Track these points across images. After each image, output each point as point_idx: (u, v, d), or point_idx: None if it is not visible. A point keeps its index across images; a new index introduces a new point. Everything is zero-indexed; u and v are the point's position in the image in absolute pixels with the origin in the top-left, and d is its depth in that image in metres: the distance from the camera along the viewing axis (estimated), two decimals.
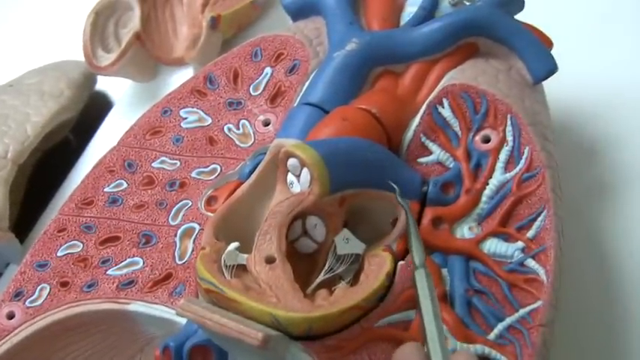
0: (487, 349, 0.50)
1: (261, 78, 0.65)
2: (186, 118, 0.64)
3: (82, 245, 0.59)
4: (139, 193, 0.61)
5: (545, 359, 0.50)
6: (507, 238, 0.54)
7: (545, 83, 0.62)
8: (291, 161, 0.52)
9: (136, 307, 0.55)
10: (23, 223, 0.77)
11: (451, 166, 0.57)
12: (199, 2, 0.81)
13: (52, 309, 0.56)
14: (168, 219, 0.59)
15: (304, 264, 0.52)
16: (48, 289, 0.57)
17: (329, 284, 0.51)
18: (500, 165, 0.56)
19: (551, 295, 0.51)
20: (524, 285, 0.52)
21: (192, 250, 0.56)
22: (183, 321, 0.52)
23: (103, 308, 0.55)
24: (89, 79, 0.85)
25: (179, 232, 0.58)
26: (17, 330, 0.56)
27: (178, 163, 0.61)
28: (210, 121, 0.63)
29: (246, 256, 0.51)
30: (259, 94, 0.64)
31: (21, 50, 0.97)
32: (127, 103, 0.85)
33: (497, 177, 0.56)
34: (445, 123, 0.58)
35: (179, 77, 0.79)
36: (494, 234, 0.54)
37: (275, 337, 0.46)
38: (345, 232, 0.52)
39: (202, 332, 0.50)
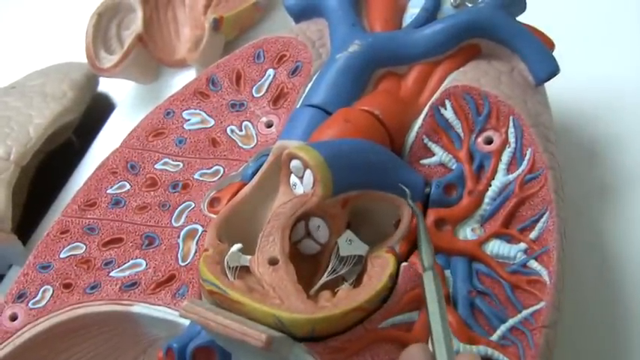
0: (490, 351, 0.50)
1: (263, 79, 0.65)
2: (188, 120, 0.64)
3: (84, 247, 0.59)
4: (141, 195, 0.61)
5: None
6: (510, 239, 0.54)
7: (546, 85, 0.62)
8: (294, 163, 0.52)
9: (139, 308, 0.55)
10: (26, 225, 0.77)
11: (454, 167, 0.57)
12: (201, 4, 0.81)
13: (54, 311, 0.56)
14: (171, 220, 0.59)
15: (307, 265, 0.52)
16: (51, 291, 0.57)
17: (332, 286, 0.51)
18: (502, 166, 0.56)
19: (554, 297, 0.51)
20: (526, 286, 0.52)
21: (195, 252, 0.56)
22: (186, 322, 0.52)
23: (105, 310, 0.55)
24: (91, 81, 0.85)
25: (182, 233, 0.58)
26: (20, 332, 0.56)
27: (181, 165, 0.62)
28: (212, 122, 0.63)
29: (249, 257, 0.51)
30: (262, 95, 0.64)
31: (23, 52, 0.97)
32: (129, 104, 0.85)
33: (500, 178, 0.56)
34: (448, 124, 0.58)
35: (181, 79, 0.80)
36: (497, 235, 0.54)
37: (278, 338, 0.46)
38: (348, 234, 0.52)
39: (205, 334, 0.50)
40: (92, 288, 0.56)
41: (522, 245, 0.53)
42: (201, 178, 0.60)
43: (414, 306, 0.51)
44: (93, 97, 0.86)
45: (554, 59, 0.61)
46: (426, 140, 0.58)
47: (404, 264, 0.52)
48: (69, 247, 0.59)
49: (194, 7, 0.81)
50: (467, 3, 0.64)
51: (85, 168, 0.80)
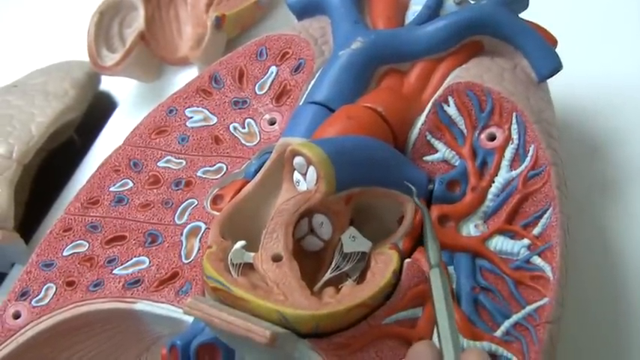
0: (494, 347, 0.50)
1: (266, 77, 0.65)
2: (191, 118, 0.64)
3: (87, 245, 0.59)
4: (144, 193, 0.61)
5: (551, 356, 0.51)
6: (513, 235, 0.54)
7: (549, 81, 0.62)
8: (298, 160, 0.52)
9: (142, 306, 0.55)
10: (28, 224, 0.77)
11: (457, 164, 0.57)
12: (203, 2, 0.81)
13: (58, 308, 0.56)
14: (174, 218, 0.59)
15: (311, 262, 0.52)
16: (54, 289, 0.57)
17: (336, 282, 0.51)
18: (505, 163, 0.56)
19: (558, 292, 0.51)
20: (530, 282, 0.52)
21: (199, 249, 0.56)
22: (189, 320, 0.52)
23: (109, 307, 0.55)
24: (93, 79, 0.85)
25: (185, 231, 0.58)
26: (23, 329, 0.56)
27: (184, 163, 0.62)
28: (215, 120, 0.63)
29: (252, 254, 0.51)
30: (265, 93, 0.64)
31: (25, 50, 0.97)
32: (131, 103, 0.85)
33: (503, 175, 0.56)
34: (451, 121, 0.58)
35: (183, 77, 0.80)
36: (501, 231, 0.54)
37: (283, 334, 0.46)
38: (352, 230, 0.52)
39: (209, 330, 0.50)
40: (95, 286, 0.56)
41: (526, 241, 0.53)
42: (204, 176, 0.60)
43: (417, 302, 0.51)
44: (95, 96, 0.86)
45: (557, 56, 0.61)
46: (428, 137, 0.58)
47: (407, 260, 0.52)
48: (72, 245, 0.59)
49: (196, 5, 0.81)
50: (469, 0, 0.64)
51: (88, 166, 0.80)
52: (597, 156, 0.72)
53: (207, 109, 0.64)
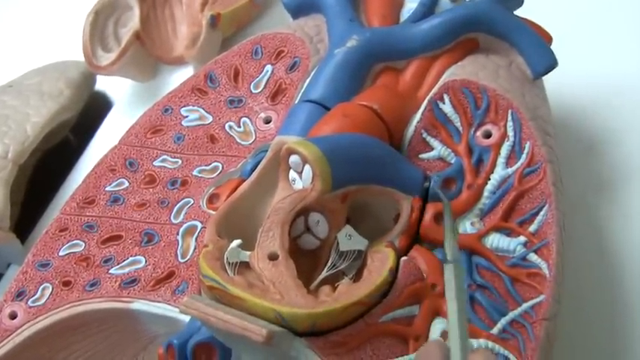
0: (490, 344, 0.50)
1: (261, 76, 0.65)
2: (187, 117, 0.64)
3: (84, 244, 0.59)
4: (140, 192, 0.61)
5: (548, 353, 0.51)
6: (509, 232, 0.54)
7: (544, 78, 0.62)
8: (293, 158, 0.52)
9: (139, 305, 0.55)
10: (24, 224, 0.77)
11: (452, 161, 0.57)
12: (199, 1, 0.81)
13: (54, 308, 0.56)
14: (170, 217, 0.59)
15: (307, 260, 0.52)
16: (50, 289, 0.57)
17: (332, 280, 0.51)
18: (501, 160, 0.56)
19: (554, 289, 0.51)
20: (526, 279, 0.52)
21: (195, 248, 0.56)
22: (186, 319, 0.52)
23: (105, 307, 0.55)
24: (89, 79, 0.85)
25: (181, 230, 0.58)
26: (20, 330, 0.56)
27: (180, 162, 0.61)
28: (211, 119, 0.63)
29: (248, 253, 0.51)
30: (260, 91, 0.64)
31: (20, 50, 0.97)
32: (126, 102, 0.85)
33: (499, 172, 0.56)
34: (446, 119, 0.58)
35: (179, 76, 0.80)
36: (497, 229, 0.54)
37: (279, 333, 0.46)
38: (348, 229, 0.52)
39: (206, 330, 0.50)
40: (92, 285, 0.56)
41: (522, 238, 0.53)
42: (199, 175, 0.60)
43: (414, 300, 0.51)
44: (90, 96, 0.86)
45: (552, 53, 0.61)
46: (424, 134, 0.58)
47: (403, 258, 0.52)
48: (68, 244, 0.59)
49: (191, 4, 0.81)
50: None
51: (83, 166, 0.80)
52: (592, 154, 0.72)
53: (203, 108, 0.64)
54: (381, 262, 0.51)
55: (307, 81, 0.62)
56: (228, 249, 0.51)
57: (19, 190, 0.78)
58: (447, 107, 0.58)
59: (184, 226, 0.58)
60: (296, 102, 0.61)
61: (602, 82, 0.75)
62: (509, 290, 0.52)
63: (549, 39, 0.63)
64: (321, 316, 0.47)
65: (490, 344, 0.50)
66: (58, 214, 0.61)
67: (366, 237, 0.53)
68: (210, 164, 0.61)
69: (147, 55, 0.81)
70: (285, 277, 0.49)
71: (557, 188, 0.55)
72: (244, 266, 0.51)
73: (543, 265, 0.52)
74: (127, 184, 0.61)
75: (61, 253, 0.59)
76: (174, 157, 0.62)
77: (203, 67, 0.67)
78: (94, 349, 0.57)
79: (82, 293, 0.56)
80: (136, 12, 0.81)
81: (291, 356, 0.48)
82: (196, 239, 0.57)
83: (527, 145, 0.56)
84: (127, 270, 0.57)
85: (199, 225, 0.57)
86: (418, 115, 0.59)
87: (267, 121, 0.62)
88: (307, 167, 0.51)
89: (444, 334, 0.50)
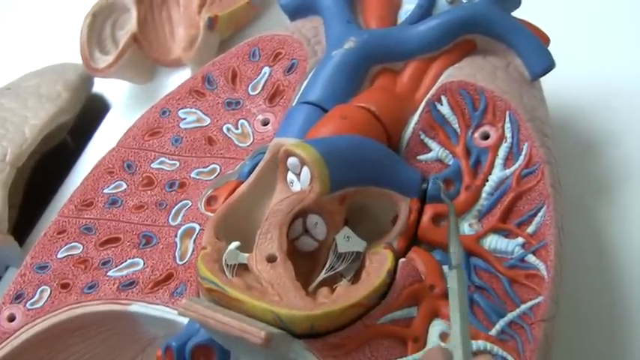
0: (489, 345, 0.50)
1: (259, 77, 0.65)
2: (184, 119, 0.64)
3: (82, 247, 0.59)
4: (138, 194, 0.61)
5: (547, 354, 0.51)
6: (507, 234, 0.54)
7: (542, 80, 0.62)
8: (291, 160, 0.52)
9: (137, 307, 0.55)
10: (22, 226, 0.77)
11: (450, 163, 0.57)
12: (196, 3, 0.81)
13: (52, 311, 0.56)
14: (168, 219, 0.59)
15: (305, 262, 0.52)
16: (49, 291, 0.57)
17: (330, 282, 0.51)
18: (499, 161, 0.56)
19: (553, 291, 0.51)
20: (525, 280, 0.52)
21: (193, 250, 0.56)
22: (184, 321, 0.52)
23: (103, 309, 0.55)
24: (86, 82, 0.85)
25: (179, 232, 0.58)
26: (18, 332, 0.56)
27: (177, 164, 0.61)
28: (208, 121, 0.63)
29: (247, 255, 0.51)
30: (258, 93, 0.64)
31: (18, 53, 0.97)
32: (124, 105, 0.85)
33: (497, 173, 0.56)
34: (444, 120, 0.58)
35: (176, 78, 0.80)
36: (495, 230, 0.54)
37: (278, 335, 0.46)
38: (346, 230, 0.52)
39: (204, 332, 0.50)
40: (90, 288, 0.56)
41: (520, 240, 0.53)
42: (197, 177, 0.60)
43: (412, 302, 0.51)
44: (88, 98, 0.86)
45: (550, 54, 0.61)
46: (422, 136, 0.58)
47: (402, 260, 0.52)
48: (66, 247, 0.59)
49: (189, 6, 0.81)
50: None
51: (81, 168, 0.80)
52: (590, 155, 0.72)
53: (201, 110, 0.64)
54: (379, 264, 0.51)
55: (305, 83, 0.62)
56: (227, 251, 0.51)
57: (17, 192, 0.78)
58: (444, 109, 0.58)
59: (182, 228, 0.58)
60: (294, 104, 0.61)
61: (601, 83, 0.75)
62: (508, 291, 0.52)
63: (547, 40, 0.63)
64: (320, 317, 0.47)
65: (489, 346, 0.50)
66: (56, 216, 0.61)
67: (365, 239, 0.52)
68: (208, 166, 0.61)
69: (144, 57, 0.81)
70: (284, 279, 0.49)
71: (556, 189, 0.55)
72: (243, 268, 0.51)
73: (541, 267, 0.52)
74: (125, 186, 0.61)
75: (59, 256, 0.58)
76: (172, 160, 0.62)
77: (201, 69, 0.67)
78: (92, 352, 0.57)
79: (80, 296, 0.56)
80: (134, 14, 0.81)
81: (290, 358, 0.48)
82: (194, 241, 0.57)
83: (525, 147, 0.56)
84: (125, 272, 0.57)
85: (197, 227, 0.57)
86: (416, 117, 0.59)
87: (265, 123, 0.62)
88: (305, 169, 0.51)
89: (443, 336, 0.50)
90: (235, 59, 0.66)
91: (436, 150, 0.57)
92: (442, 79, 0.60)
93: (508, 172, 0.56)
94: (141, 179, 0.61)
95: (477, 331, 0.50)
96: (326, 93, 0.59)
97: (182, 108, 0.65)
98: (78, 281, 0.57)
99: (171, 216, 0.59)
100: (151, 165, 0.62)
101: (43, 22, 0.99)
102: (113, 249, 0.58)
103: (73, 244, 0.59)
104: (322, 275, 0.51)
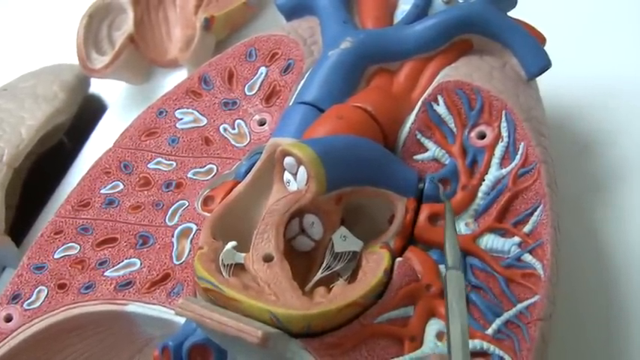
0: (485, 345, 0.50)
1: (255, 78, 0.65)
2: (181, 119, 0.64)
3: (79, 247, 0.59)
4: (135, 195, 0.61)
5: (543, 354, 0.51)
6: (504, 233, 0.54)
7: (538, 79, 0.62)
8: (288, 160, 0.52)
9: (134, 307, 0.55)
10: (19, 227, 0.76)
11: (447, 162, 0.57)
12: (192, 4, 0.81)
13: (49, 311, 0.56)
14: (165, 219, 0.59)
15: (302, 262, 0.52)
16: (45, 292, 0.57)
17: (327, 282, 0.51)
18: (495, 161, 0.56)
19: (549, 290, 0.51)
20: (521, 280, 0.52)
21: (190, 250, 0.56)
22: (181, 321, 0.52)
23: (100, 310, 0.55)
24: (83, 82, 0.85)
25: (176, 232, 0.58)
26: (15, 333, 0.56)
27: (174, 164, 0.62)
28: (205, 121, 0.63)
29: (243, 254, 0.51)
30: (254, 93, 0.64)
31: (14, 54, 0.97)
32: (121, 105, 0.85)
33: (493, 173, 0.56)
34: (440, 120, 0.58)
35: (173, 79, 0.79)
36: (491, 229, 0.54)
37: (274, 334, 0.46)
38: (343, 230, 0.52)
39: (201, 331, 0.50)
40: (87, 288, 0.56)
41: (516, 239, 0.53)
42: (194, 177, 0.60)
43: (409, 301, 0.51)
44: (84, 99, 0.86)
45: (546, 54, 0.61)
46: (418, 136, 0.58)
47: (398, 259, 0.52)
48: (63, 247, 0.59)
49: (185, 7, 0.81)
50: None
51: (78, 169, 0.80)
52: (587, 155, 0.72)
53: (197, 111, 0.64)
54: (375, 264, 0.51)
55: (301, 83, 0.62)
56: (223, 251, 0.51)
57: (14, 193, 0.78)
58: (441, 108, 0.59)
59: (179, 228, 0.58)
60: (290, 104, 0.61)
61: (597, 83, 0.75)
62: (504, 291, 0.52)
63: (543, 40, 0.63)
64: (316, 317, 0.47)
65: (485, 345, 0.50)
66: (53, 216, 0.60)
67: (361, 238, 0.53)
68: (204, 166, 0.61)
69: (141, 58, 0.81)
70: (280, 279, 0.49)
71: (552, 189, 0.55)
72: (239, 268, 0.51)
73: (538, 266, 0.52)
74: (121, 186, 0.61)
75: (56, 256, 0.58)
76: (169, 160, 0.62)
77: (197, 70, 0.67)
78: (89, 352, 0.57)
79: (77, 296, 0.56)
80: (130, 15, 0.80)
81: (287, 358, 0.48)
82: (191, 241, 0.57)
83: (522, 146, 0.56)
84: (122, 272, 0.57)
85: (194, 227, 0.57)
86: (412, 117, 0.59)
87: (262, 123, 0.62)
88: (302, 169, 0.51)
89: (440, 335, 0.50)
90: (232, 59, 0.66)
91: (432, 149, 0.58)
92: (438, 79, 0.60)
93: (504, 171, 0.56)
94: (138, 179, 0.61)
95: (473, 331, 0.50)
96: (322, 93, 0.59)
97: (179, 108, 0.65)
98: (75, 281, 0.57)
99: (167, 216, 0.59)
100: (148, 165, 0.62)
101: (39, 23, 0.99)
102: (110, 249, 0.58)
103: (69, 244, 0.59)
104: (319, 275, 0.51)
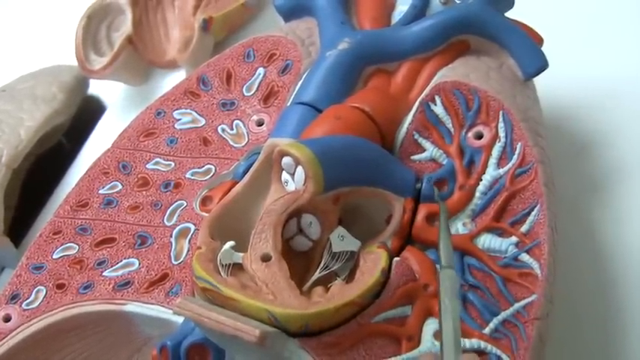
0: (483, 344, 0.50)
1: (254, 78, 0.65)
2: (179, 120, 0.64)
3: (77, 247, 0.59)
4: (133, 195, 0.61)
5: (541, 353, 0.51)
6: (501, 233, 0.54)
7: (535, 80, 0.62)
8: (286, 160, 0.52)
9: (133, 307, 0.55)
10: (18, 227, 0.77)
11: (444, 162, 0.57)
12: (191, 5, 0.81)
13: (48, 311, 0.56)
14: (163, 220, 0.59)
15: (300, 262, 0.53)
16: (44, 292, 0.57)
17: (325, 281, 0.51)
18: (493, 161, 0.56)
19: (546, 289, 0.52)
20: (518, 279, 0.52)
21: (188, 250, 0.56)
22: (179, 320, 0.52)
23: (99, 309, 0.55)
24: (81, 83, 0.85)
25: (174, 232, 0.58)
26: (14, 332, 0.56)
27: (173, 164, 0.62)
28: (203, 121, 0.64)
29: (241, 254, 0.51)
30: (252, 94, 0.64)
31: (13, 55, 0.97)
32: (119, 106, 0.85)
33: (491, 173, 0.56)
34: (438, 120, 0.58)
35: (171, 80, 0.80)
36: (488, 229, 0.54)
37: (272, 333, 0.46)
38: (340, 230, 0.53)
39: (199, 331, 0.50)
40: (85, 288, 0.56)
41: (513, 239, 0.54)
42: (192, 177, 0.61)
43: (406, 300, 0.51)
44: (83, 100, 0.86)
45: (543, 54, 0.61)
46: (416, 136, 0.58)
47: (396, 259, 0.52)
48: (62, 247, 0.59)
49: (183, 8, 0.81)
50: None
51: (77, 170, 0.80)
52: (584, 156, 0.72)
53: (196, 111, 0.64)
54: (373, 263, 0.51)
55: (299, 83, 0.62)
56: (222, 251, 0.51)
57: (13, 194, 0.78)
58: (438, 109, 0.59)
59: (177, 228, 0.58)
60: (288, 104, 0.62)
61: (594, 84, 0.75)
62: (501, 290, 0.52)
63: (540, 40, 0.63)
64: (314, 316, 0.47)
65: (482, 344, 0.50)
66: (51, 217, 0.61)
67: (359, 238, 0.53)
68: (203, 167, 0.61)
69: (139, 58, 0.81)
70: (278, 278, 0.49)
71: (549, 189, 0.55)
72: (237, 268, 0.51)
73: (535, 265, 0.52)
74: (120, 186, 0.61)
75: (54, 256, 0.59)
76: (168, 160, 0.62)
77: (195, 71, 0.67)
78: (88, 352, 0.57)
79: (75, 296, 0.56)
80: (129, 16, 0.81)
81: (285, 357, 0.48)
82: (190, 241, 0.57)
83: (519, 146, 0.56)
84: (120, 272, 0.57)
85: (192, 227, 0.57)
86: (410, 117, 0.59)
87: (260, 123, 0.62)
88: (299, 169, 0.51)
89: (437, 334, 0.50)
90: (230, 60, 0.66)
91: (430, 150, 0.58)
92: (436, 80, 0.60)
93: (502, 171, 0.56)
94: (136, 180, 0.61)
95: (470, 330, 0.50)
96: (320, 93, 0.60)
97: (177, 109, 0.65)
98: (73, 281, 0.57)
99: (166, 216, 0.59)
100: (146, 165, 0.62)
101: (38, 24, 0.99)
102: (108, 249, 0.58)
103: (68, 244, 0.59)
104: (317, 274, 0.51)
